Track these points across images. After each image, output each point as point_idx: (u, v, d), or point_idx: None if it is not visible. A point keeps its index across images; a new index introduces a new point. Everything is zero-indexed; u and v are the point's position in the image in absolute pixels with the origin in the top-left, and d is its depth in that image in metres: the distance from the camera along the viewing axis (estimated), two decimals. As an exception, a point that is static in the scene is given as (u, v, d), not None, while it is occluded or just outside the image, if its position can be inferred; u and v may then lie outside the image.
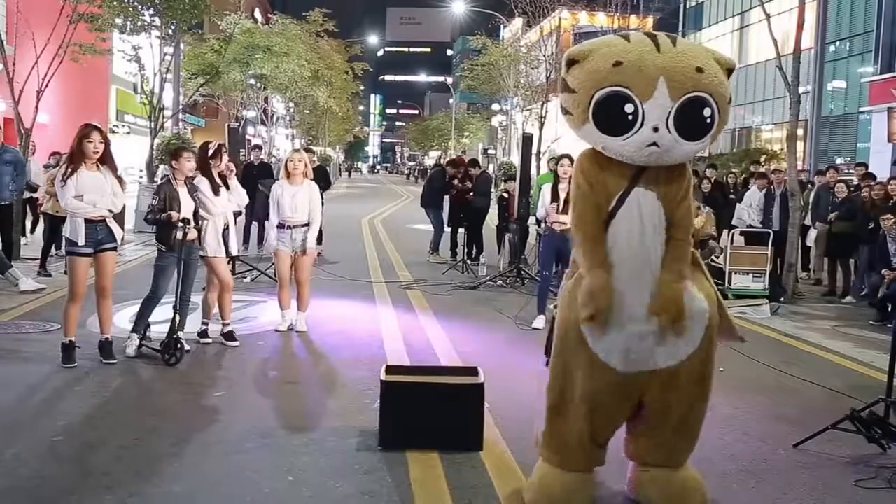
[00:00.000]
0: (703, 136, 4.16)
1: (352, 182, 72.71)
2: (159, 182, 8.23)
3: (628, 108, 3.99)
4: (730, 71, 4.28)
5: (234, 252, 8.63)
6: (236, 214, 9.27)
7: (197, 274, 8.07)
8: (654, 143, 4.03)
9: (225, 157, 8.49)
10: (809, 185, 15.70)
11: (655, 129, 4.00)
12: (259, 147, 19.20)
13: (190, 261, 7.81)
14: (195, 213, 7.79)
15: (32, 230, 15.80)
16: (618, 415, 4.54)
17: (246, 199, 8.88)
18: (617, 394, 4.40)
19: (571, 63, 4.19)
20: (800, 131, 17.30)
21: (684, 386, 4.39)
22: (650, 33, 4.29)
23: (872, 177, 14.11)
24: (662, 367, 4.33)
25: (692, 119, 4.06)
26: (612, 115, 4.04)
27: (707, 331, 4.37)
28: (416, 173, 73.26)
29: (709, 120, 4.10)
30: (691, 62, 4.08)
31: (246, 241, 15.07)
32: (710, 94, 4.07)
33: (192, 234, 7.66)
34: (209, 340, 8.30)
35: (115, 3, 18.44)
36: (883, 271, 11.01)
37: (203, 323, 8.42)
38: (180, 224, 7.51)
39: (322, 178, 13.00)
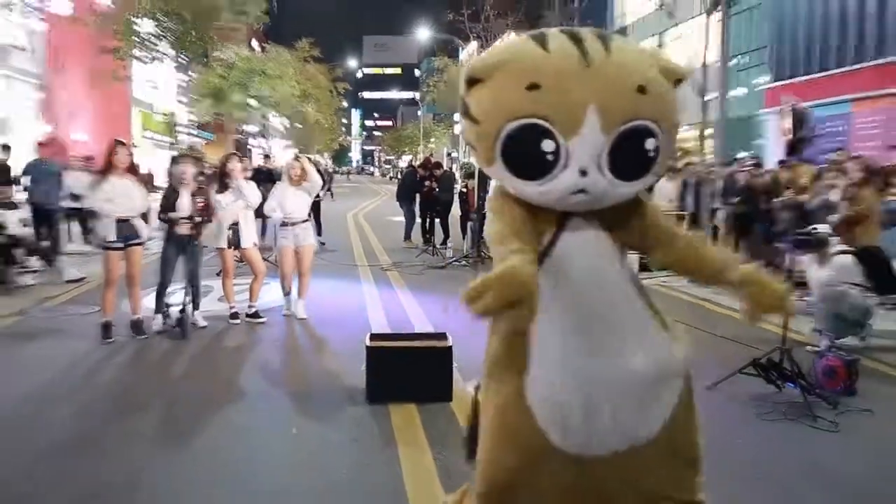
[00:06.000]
0: (643, 173, 2.62)
1: (336, 183, 72.12)
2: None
3: (547, 145, 2.47)
4: (679, 82, 2.64)
5: (245, 245, 8.36)
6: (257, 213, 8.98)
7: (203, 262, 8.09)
8: (582, 191, 2.54)
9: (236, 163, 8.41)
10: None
11: (583, 174, 2.50)
12: (268, 157, 18.97)
13: (189, 251, 7.73)
14: (203, 209, 7.74)
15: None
16: None
17: (255, 197, 8.43)
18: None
19: (473, 82, 2.58)
20: (709, 130, 17.49)
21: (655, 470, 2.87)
22: (575, 34, 2.55)
23: (759, 166, 14.32)
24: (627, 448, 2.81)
25: (631, 155, 2.54)
26: (526, 154, 2.52)
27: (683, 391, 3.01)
28: (397, 175, 72.88)
29: (652, 153, 2.56)
30: (632, 79, 2.49)
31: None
32: (654, 122, 2.52)
33: (182, 230, 7.58)
34: (238, 321, 8.25)
35: (133, 37, 18.26)
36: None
37: (230, 307, 8.38)
38: (181, 221, 7.55)
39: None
